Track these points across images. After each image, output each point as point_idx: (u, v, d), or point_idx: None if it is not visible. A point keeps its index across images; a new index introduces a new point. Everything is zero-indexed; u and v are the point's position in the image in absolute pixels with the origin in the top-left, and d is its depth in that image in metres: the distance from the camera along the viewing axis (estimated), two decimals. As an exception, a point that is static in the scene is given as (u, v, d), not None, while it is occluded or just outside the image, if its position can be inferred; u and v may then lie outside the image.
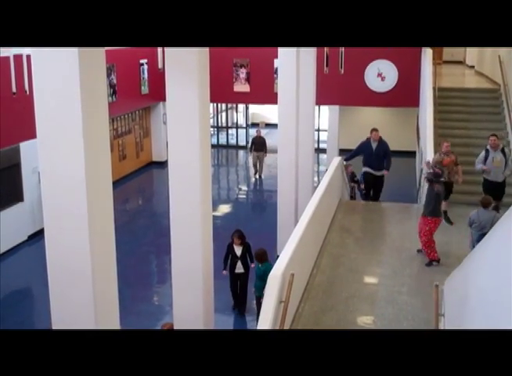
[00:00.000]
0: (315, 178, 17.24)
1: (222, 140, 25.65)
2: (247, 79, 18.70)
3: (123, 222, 14.48)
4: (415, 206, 12.54)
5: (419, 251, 9.61)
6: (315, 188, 10.97)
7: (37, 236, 12.97)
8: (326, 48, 17.43)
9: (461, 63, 21.87)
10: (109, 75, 15.38)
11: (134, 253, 13.00)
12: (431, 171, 9.32)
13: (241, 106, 26.76)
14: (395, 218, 11.91)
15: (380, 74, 17.71)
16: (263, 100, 19.32)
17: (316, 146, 19.74)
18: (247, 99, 19.72)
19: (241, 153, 24.68)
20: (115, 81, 16.27)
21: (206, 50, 7.10)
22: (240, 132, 25.83)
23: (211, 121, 24.39)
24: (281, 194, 12.66)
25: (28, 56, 10.46)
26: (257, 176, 19.88)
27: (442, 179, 9.43)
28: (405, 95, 17.46)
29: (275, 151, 13.97)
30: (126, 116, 19.24)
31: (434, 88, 14.64)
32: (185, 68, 6.84)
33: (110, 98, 15.69)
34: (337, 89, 17.92)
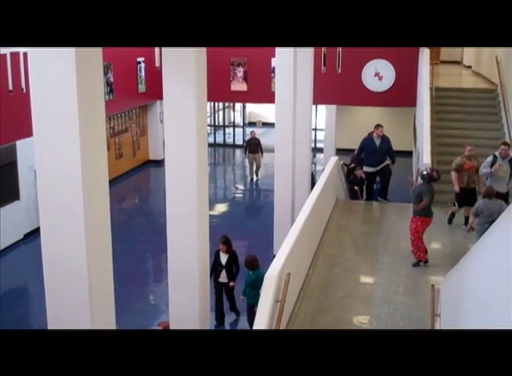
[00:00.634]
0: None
1: (219, 139, 25.65)
2: (245, 78, 18.71)
3: (119, 220, 14.46)
4: (411, 206, 12.52)
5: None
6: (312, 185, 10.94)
7: (34, 234, 12.94)
8: (323, 48, 17.44)
9: (458, 63, 21.89)
10: (106, 73, 15.35)
11: (130, 252, 12.99)
12: (428, 172, 9.25)
13: (238, 105, 26.76)
14: (392, 218, 11.93)
15: (377, 74, 17.74)
16: (260, 99, 19.32)
17: (313, 145, 19.73)
18: (244, 98, 19.73)
19: (238, 152, 24.67)
20: (112, 80, 16.24)
21: (203, 49, 7.09)
22: (237, 131, 25.83)
23: (208, 119, 24.37)
24: (277, 193, 12.65)
25: (25, 54, 10.45)
26: (253, 178, 19.68)
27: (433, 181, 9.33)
28: (402, 95, 17.49)
29: (272, 150, 13.98)
30: (123, 114, 19.21)
31: (431, 88, 14.65)
32: (183, 67, 6.82)
33: (107, 96, 15.65)
34: (334, 89, 17.94)
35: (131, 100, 18.49)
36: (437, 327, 6.52)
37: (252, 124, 27.70)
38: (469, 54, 20.87)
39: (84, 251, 4.92)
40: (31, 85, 4.83)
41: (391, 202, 13.26)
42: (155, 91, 17.53)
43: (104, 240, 5.25)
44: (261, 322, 6.31)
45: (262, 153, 19.58)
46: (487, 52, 17.12)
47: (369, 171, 12.99)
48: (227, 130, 26.28)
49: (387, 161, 12.97)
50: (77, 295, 5.04)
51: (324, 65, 17.92)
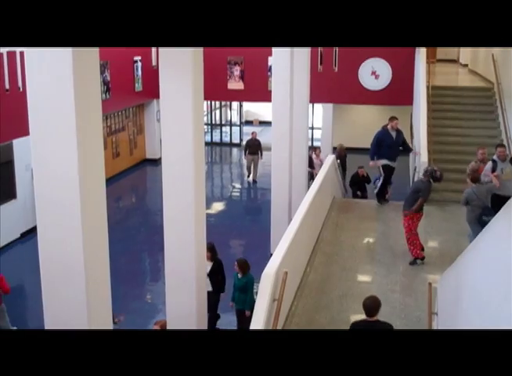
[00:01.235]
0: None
1: (216, 138, 25.65)
2: (241, 77, 18.70)
3: (116, 219, 14.45)
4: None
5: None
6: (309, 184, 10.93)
7: (30, 233, 12.92)
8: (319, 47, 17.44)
9: (455, 61, 21.91)
10: (102, 72, 15.33)
11: (127, 251, 12.98)
12: (434, 169, 9.30)
13: (235, 104, 26.74)
14: (389, 217, 11.92)
15: (374, 73, 17.75)
16: (257, 98, 19.30)
17: (310, 143, 19.72)
18: (241, 96, 19.72)
19: (235, 150, 24.66)
20: (109, 79, 16.23)
21: (200, 48, 7.08)
22: (234, 130, 25.82)
23: (205, 118, 24.34)
24: (275, 192, 12.65)
25: (22, 53, 10.43)
26: (251, 180, 19.11)
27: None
28: (398, 93, 17.50)
29: (269, 149, 13.97)
30: (120, 113, 19.19)
31: (427, 87, 14.66)
32: (179, 66, 6.82)
33: (104, 95, 15.64)
34: (331, 87, 17.94)
35: (127, 99, 18.46)
36: (434, 326, 6.53)
37: (249, 122, 27.70)
38: (465, 53, 20.89)
39: (81, 250, 4.91)
40: (28, 84, 4.82)
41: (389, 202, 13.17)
42: (152, 90, 17.50)
43: (101, 239, 5.25)
44: (259, 320, 6.31)
45: (262, 155, 18.93)
46: (483, 50, 17.13)
47: (391, 165, 12.35)
48: (224, 129, 26.27)
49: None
50: (74, 294, 5.03)
51: (321, 63, 17.92)
